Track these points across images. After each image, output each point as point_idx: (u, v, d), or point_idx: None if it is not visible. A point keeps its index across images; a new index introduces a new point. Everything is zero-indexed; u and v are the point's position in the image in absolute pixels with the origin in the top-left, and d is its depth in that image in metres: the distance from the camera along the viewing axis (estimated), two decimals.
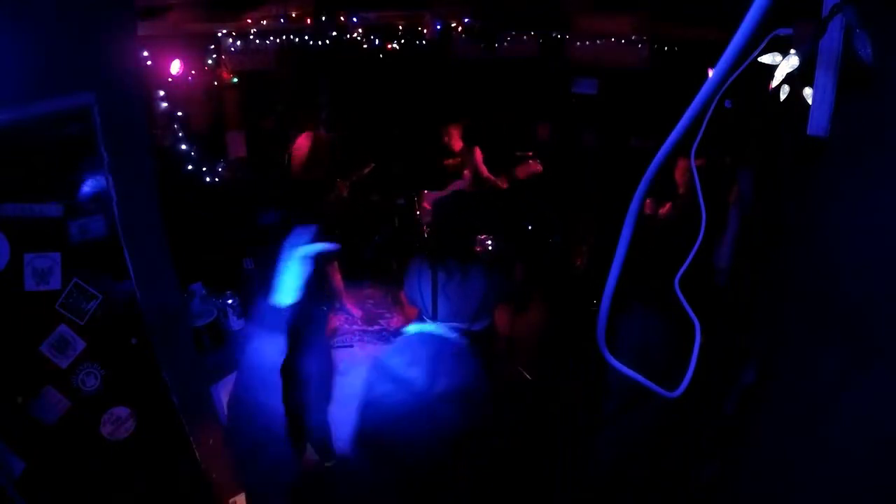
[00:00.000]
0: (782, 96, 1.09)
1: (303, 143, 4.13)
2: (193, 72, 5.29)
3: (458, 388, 1.15)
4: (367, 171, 4.79)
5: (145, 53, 4.50)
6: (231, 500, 2.07)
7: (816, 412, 0.94)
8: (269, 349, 1.22)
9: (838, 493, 0.89)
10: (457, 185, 4.64)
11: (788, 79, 1.02)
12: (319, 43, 5.73)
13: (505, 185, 4.59)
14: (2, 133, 1.37)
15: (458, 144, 4.78)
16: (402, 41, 6.17)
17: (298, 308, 1.62)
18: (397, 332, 1.56)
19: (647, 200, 3.07)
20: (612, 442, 2.96)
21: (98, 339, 1.62)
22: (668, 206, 3.05)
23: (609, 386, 2.99)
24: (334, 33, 5.60)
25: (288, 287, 1.21)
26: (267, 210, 2.67)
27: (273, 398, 1.19)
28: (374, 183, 5.00)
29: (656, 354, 2.30)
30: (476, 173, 4.71)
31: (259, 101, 6.06)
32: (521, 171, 4.50)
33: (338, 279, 3.01)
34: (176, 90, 5.04)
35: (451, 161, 4.82)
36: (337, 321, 3.03)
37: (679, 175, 2.99)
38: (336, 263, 3.10)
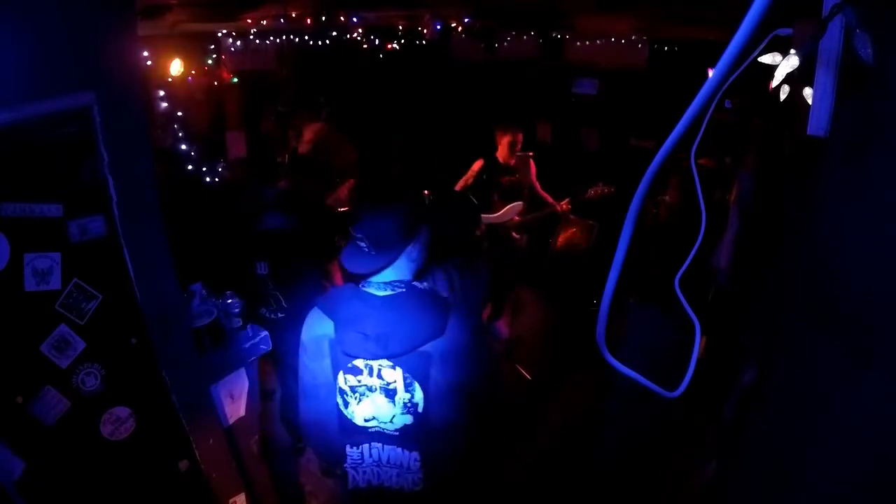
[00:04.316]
0: (782, 96, 1.08)
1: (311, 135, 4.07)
2: (193, 72, 5.29)
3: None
4: (346, 190, 4.27)
5: (145, 53, 4.50)
6: (231, 501, 2.07)
7: (816, 412, 0.94)
8: None
9: (838, 493, 0.89)
10: (513, 208, 4.03)
11: (788, 79, 1.02)
12: (319, 43, 5.73)
13: (566, 208, 4.16)
14: (2, 133, 1.37)
15: (511, 156, 4.04)
16: (402, 41, 6.17)
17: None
18: None
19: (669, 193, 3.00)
20: (615, 439, 2.96)
21: (98, 339, 1.62)
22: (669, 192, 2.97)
23: (613, 384, 2.99)
24: (334, 33, 5.60)
25: None
26: (270, 214, 2.67)
27: None
28: (374, 184, 4.95)
29: (659, 355, 2.30)
30: (531, 192, 4.22)
31: (259, 101, 6.06)
32: (593, 193, 4.09)
33: (338, 279, 3.02)
34: (176, 90, 5.04)
35: (506, 178, 4.08)
36: None
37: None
38: (336, 263, 3.12)
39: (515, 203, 4.04)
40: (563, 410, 3.54)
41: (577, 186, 4.29)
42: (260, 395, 2.34)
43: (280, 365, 2.89)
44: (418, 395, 1.48)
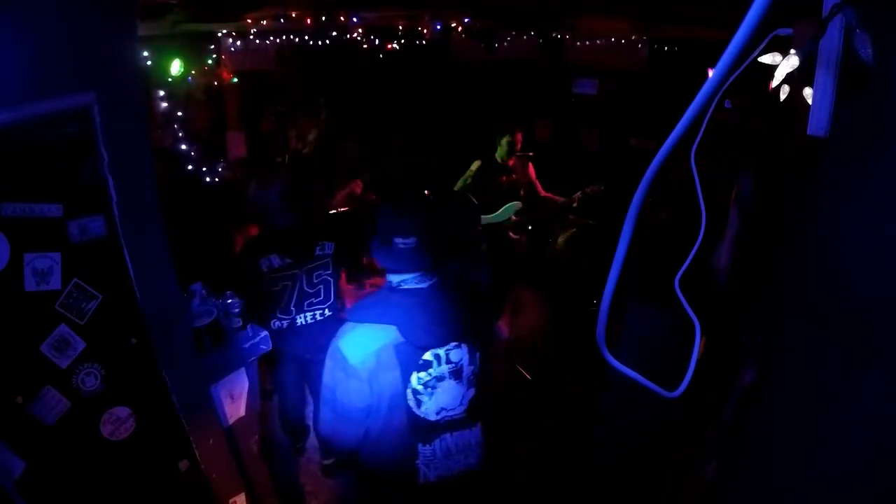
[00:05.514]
0: (782, 96, 1.09)
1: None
2: (193, 72, 5.29)
3: None
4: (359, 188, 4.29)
5: (145, 53, 4.50)
6: (231, 501, 2.07)
7: (816, 412, 0.94)
8: None
9: (838, 493, 0.89)
10: (510, 208, 4.09)
11: (788, 79, 1.02)
12: (319, 43, 5.73)
13: (577, 198, 4.19)
14: (2, 133, 1.37)
15: (510, 157, 4.10)
16: (402, 41, 6.17)
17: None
18: None
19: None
20: (613, 436, 2.96)
21: (98, 339, 1.62)
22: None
23: (610, 381, 2.99)
24: (334, 33, 5.60)
25: None
26: (275, 215, 2.65)
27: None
28: (373, 184, 4.95)
29: (657, 354, 2.29)
30: (532, 191, 4.23)
31: (259, 101, 6.06)
32: (590, 191, 4.14)
33: (342, 278, 3.02)
34: (176, 90, 5.04)
35: (504, 178, 4.11)
36: None
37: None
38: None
39: (512, 203, 4.04)
40: (563, 410, 3.54)
41: (576, 186, 4.30)
42: (260, 395, 2.34)
43: (277, 366, 2.88)
44: (478, 362, 1.59)
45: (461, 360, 1.54)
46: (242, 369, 2.18)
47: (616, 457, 2.92)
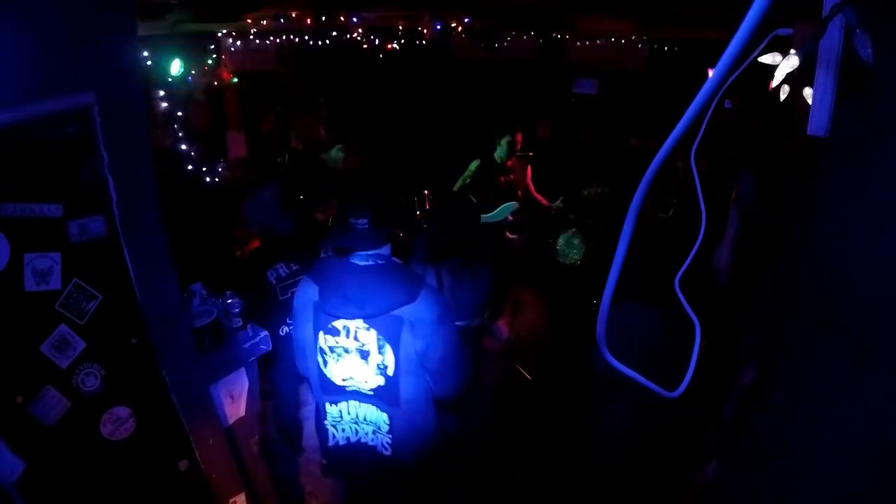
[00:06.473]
0: (782, 96, 1.09)
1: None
2: (193, 72, 5.29)
3: None
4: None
5: (145, 53, 4.50)
6: (231, 501, 2.07)
7: (816, 412, 0.94)
8: None
9: (838, 494, 0.89)
10: (507, 208, 4.12)
11: (788, 79, 1.02)
12: (319, 43, 5.73)
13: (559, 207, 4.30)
14: (2, 133, 1.37)
15: (509, 157, 4.13)
16: (402, 41, 6.18)
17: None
18: None
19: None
20: (613, 436, 2.95)
21: (98, 339, 1.62)
22: None
23: (609, 379, 2.98)
24: (334, 33, 5.60)
25: None
26: (276, 218, 2.63)
27: None
28: (372, 183, 4.94)
29: (656, 352, 2.29)
30: (526, 193, 4.29)
31: (259, 101, 6.06)
32: (587, 194, 4.25)
33: None
34: (176, 90, 5.04)
35: (503, 178, 4.13)
36: None
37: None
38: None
39: (510, 203, 4.06)
40: (563, 410, 3.54)
41: (576, 186, 4.31)
42: (260, 395, 2.34)
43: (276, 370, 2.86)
44: (389, 359, 1.63)
45: (368, 343, 1.63)
46: (242, 369, 2.18)
47: (616, 457, 2.91)
